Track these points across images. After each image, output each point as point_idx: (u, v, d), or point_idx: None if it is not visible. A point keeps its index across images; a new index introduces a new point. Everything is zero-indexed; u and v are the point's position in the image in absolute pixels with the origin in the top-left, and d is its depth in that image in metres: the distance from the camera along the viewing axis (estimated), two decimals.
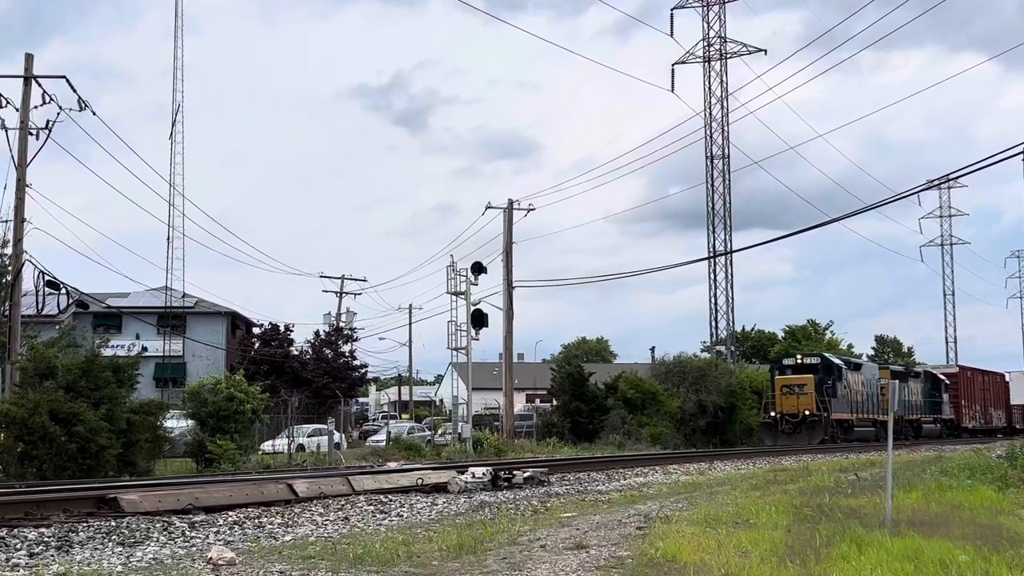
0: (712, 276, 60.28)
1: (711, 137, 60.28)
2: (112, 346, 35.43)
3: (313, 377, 43.99)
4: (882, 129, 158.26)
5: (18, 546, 9.42)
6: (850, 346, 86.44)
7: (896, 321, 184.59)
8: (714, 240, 60.51)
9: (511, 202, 39.04)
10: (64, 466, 18.40)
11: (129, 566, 8.39)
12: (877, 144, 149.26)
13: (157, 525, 11.08)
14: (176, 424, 25.62)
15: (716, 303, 60.00)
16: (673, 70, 60.13)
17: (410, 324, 63.96)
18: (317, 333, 48.53)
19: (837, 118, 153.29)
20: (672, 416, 42.21)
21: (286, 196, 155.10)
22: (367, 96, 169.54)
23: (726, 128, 60.42)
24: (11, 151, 25.10)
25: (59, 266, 54.02)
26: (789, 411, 39.50)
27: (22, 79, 25.18)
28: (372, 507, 13.79)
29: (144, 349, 42.07)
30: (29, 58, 25.47)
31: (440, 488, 16.84)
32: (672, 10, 60.44)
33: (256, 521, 11.87)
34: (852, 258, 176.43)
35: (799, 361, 42.04)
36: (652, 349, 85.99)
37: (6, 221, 26.73)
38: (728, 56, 60.64)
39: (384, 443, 34.53)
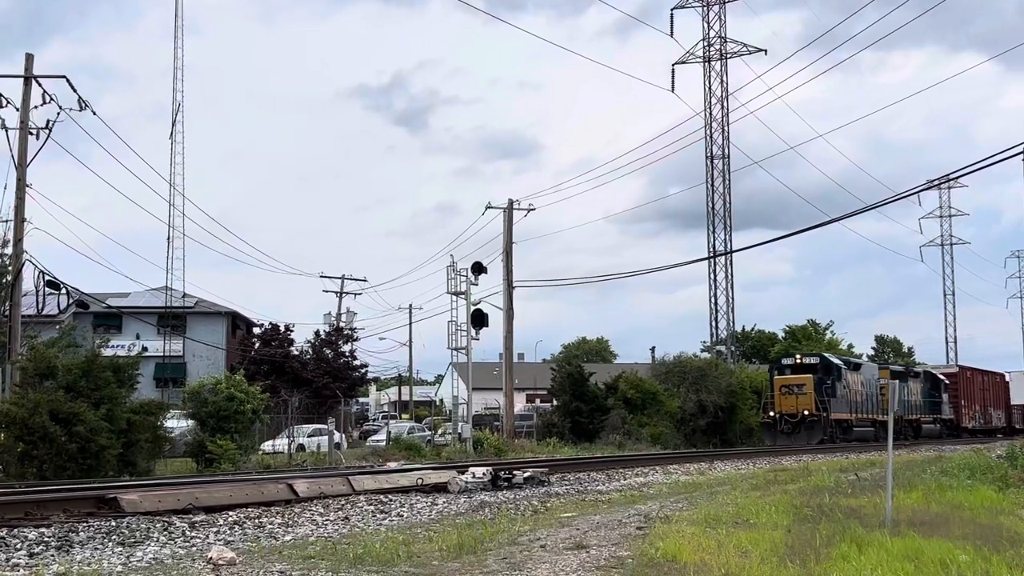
0: (712, 276, 60.37)
1: (711, 137, 60.37)
2: (112, 346, 35.44)
3: (313, 377, 43.99)
4: (882, 129, 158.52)
5: (18, 546, 9.42)
6: (850, 346, 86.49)
7: (896, 321, 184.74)
8: (714, 240, 60.60)
9: (511, 202, 39.07)
10: (64, 466, 18.40)
11: (129, 566, 8.39)
12: (877, 144, 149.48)
13: (157, 525, 11.08)
14: (176, 424, 25.62)
15: (716, 303, 60.07)
16: (673, 70, 60.28)
17: (410, 324, 64.10)
18: (317, 333, 48.58)
19: (837, 118, 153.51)
20: (672, 416, 42.21)
21: (286, 196, 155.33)
22: (367, 96, 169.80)
23: (726, 128, 60.51)
24: (11, 151, 25.14)
25: (59, 266, 54.12)
26: (788, 411, 39.47)
27: (22, 79, 25.19)
28: (372, 507, 13.79)
29: (144, 349, 42.05)
30: (29, 58, 25.48)
31: (440, 488, 16.85)
32: (672, 10, 60.60)
33: (256, 521, 11.88)
34: (852, 258, 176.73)
35: (798, 361, 41.97)
36: (652, 349, 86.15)
37: (6, 221, 26.78)
38: (728, 56, 60.71)
39: (384, 443, 34.54)
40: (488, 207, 39.13)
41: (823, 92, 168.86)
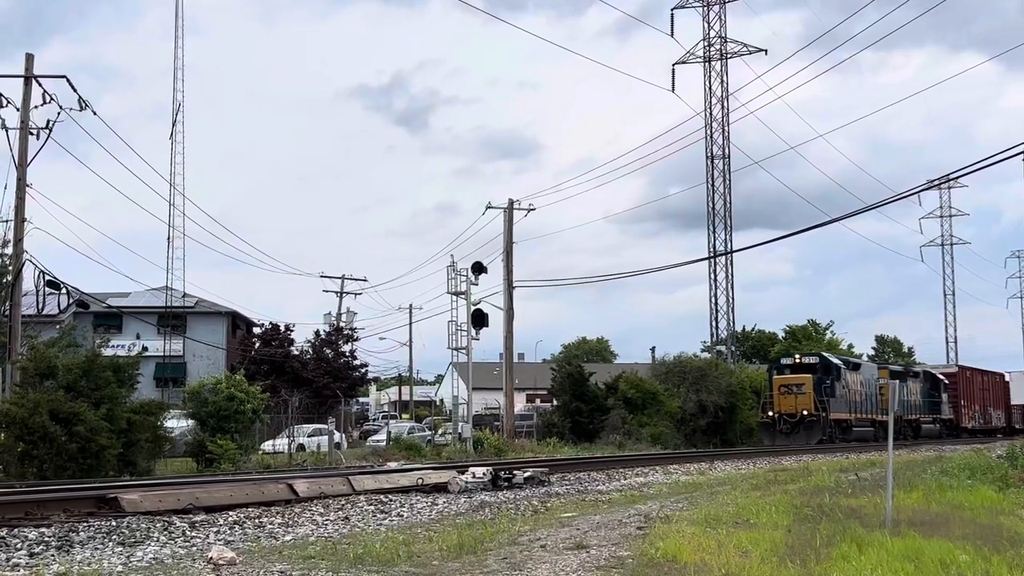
0: (712, 276, 60.38)
1: (711, 137, 60.39)
2: (112, 346, 35.42)
3: (313, 377, 43.99)
4: (882, 129, 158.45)
5: (18, 546, 9.42)
6: (850, 346, 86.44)
7: (896, 321, 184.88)
8: (714, 240, 60.61)
9: (511, 202, 39.08)
10: (64, 466, 18.41)
11: (129, 566, 8.40)
12: (877, 144, 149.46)
13: (157, 525, 11.09)
14: (176, 424, 25.62)
15: (716, 303, 60.08)
16: (673, 70, 60.30)
17: (410, 324, 64.10)
18: (317, 333, 48.57)
19: (837, 118, 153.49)
20: (672, 416, 42.21)
21: (286, 196, 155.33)
22: (367, 96, 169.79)
23: (726, 128, 60.52)
24: (11, 151, 25.14)
25: (59, 266, 54.06)
26: (787, 411, 39.43)
27: (22, 79, 25.20)
28: (372, 507, 13.79)
29: (144, 349, 42.00)
30: (29, 58, 25.49)
31: (440, 488, 16.85)
32: (672, 10, 60.62)
33: (256, 521, 11.88)
34: (852, 258, 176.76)
35: (797, 361, 41.91)
36: (652, 349, 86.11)
37: (6, 221, 26.79)
38: (728, 56, 60.73)
39: (384, 443, 34.54)
40: (488, 207, 39.19)
41: (823, 92, 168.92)
